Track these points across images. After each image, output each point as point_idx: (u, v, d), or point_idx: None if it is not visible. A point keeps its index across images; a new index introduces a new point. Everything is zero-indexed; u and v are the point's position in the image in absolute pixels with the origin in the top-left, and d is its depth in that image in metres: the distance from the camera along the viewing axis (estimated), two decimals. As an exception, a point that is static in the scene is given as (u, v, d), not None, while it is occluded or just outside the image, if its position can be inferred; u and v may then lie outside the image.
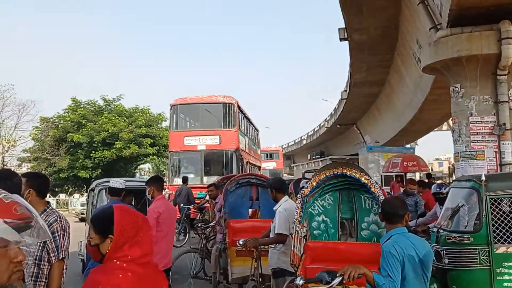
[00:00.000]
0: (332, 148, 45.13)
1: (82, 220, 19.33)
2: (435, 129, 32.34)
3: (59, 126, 37.65)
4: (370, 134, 32.95)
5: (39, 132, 37.79)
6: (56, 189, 38.83)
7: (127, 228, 1.68)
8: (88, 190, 8.61)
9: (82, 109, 37.83)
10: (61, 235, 3.09)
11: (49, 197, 33.69)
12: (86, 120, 36.90)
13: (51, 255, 3.02)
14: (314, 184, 3.97)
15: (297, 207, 3.76)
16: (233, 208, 7.37)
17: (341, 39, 17.87)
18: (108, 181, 7.93)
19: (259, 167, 21.15)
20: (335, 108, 35.09)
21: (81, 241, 8.48)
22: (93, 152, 36.53)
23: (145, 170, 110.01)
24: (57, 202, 33.86)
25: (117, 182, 5.30)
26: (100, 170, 37.70)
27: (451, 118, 12.71)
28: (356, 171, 3.91)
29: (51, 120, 38.57)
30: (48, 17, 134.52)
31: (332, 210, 4.34)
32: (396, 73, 21.03)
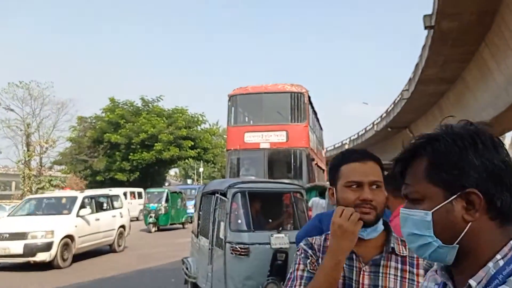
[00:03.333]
0: (377, 153, 41.59)
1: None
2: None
3: (97, 127, 36.64)
4: (426, 138, 30.65)
5: (77, 132, 36.83)
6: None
7: None
8: (202, 194, 6.83)
9: (120, 109, 36.75)
10: None
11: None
12: (124, 121, 35.77)
13: None
14: None
15: None
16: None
17: (426, 27, 15.98)
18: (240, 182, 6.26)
19: (324, 171, 19.09)
20: (387, 110, 32.93)
21: (186, 258, 6.83)
22: (131, 154, 35.35)
23: (172, 174, 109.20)
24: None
25: None
26: (138, 173, 36.49)
27: None
28: None
29: (89, 120, 37.64)
30: (87, 16, 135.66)
31: None
32: (476, 68, 18.88)
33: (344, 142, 47.46)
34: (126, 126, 35.16)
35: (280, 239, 5.35)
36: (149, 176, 43.51)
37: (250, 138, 15.58)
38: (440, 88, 23.11)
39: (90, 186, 36.65)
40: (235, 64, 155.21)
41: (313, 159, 15.90)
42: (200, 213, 6.84)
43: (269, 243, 5.31)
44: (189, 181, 73.69)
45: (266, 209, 6.26)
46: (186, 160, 46.68)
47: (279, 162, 15.98)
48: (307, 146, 15.06)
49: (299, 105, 15.11)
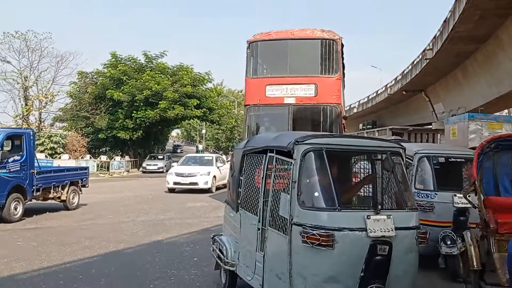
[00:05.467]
0: (387, 117, 41.55)
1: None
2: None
3: (98, 82, 35.05)
4: (443, 102, 29.33)
5: (77, 88, 35.26)
6: (94, 151, 36.49)
7: None
8: (244, 152, 5.40)
9: (122, 65, 35.05)
10: None
11: (90, 158, 31.13)
12: (127, 77, 34.17)
13: None
14: None
15: None
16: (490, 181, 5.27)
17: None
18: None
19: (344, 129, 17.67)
20: (403, 71, 31.42)
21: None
22: (134, 111, 33.95)
23: (173, 135, 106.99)
24: (97, 165, 31.19)
25: None
26: (141, 131, 35.22)
27: None
28: None
29: (90, 75, 36.01)
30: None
31: None
32: (516, 24, 17.45)
33: (352, 106, 46.13)
34: (129, 83, 33.58)
35: (381, 223, 3.72)
36: (152, 135, 42.24)
37: (273, 92, 13.74)
38: (468, 48, 21.64)
39: (92, 143, 35.49)
40: (240, 18, 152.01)
41: (345, 117, 14.39)
42: (241, 178, 5.13)
43: (364, 229, 3.68)
44: (200, 146, 71.13)
45: (346, 178, 4.69)
46: (191, 120, 45.29)
47: (306, 120, 14.19)
48: (339, 103, 13.28)
49: (331, 54, 13.09)
